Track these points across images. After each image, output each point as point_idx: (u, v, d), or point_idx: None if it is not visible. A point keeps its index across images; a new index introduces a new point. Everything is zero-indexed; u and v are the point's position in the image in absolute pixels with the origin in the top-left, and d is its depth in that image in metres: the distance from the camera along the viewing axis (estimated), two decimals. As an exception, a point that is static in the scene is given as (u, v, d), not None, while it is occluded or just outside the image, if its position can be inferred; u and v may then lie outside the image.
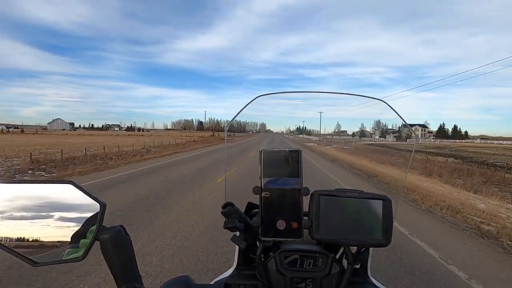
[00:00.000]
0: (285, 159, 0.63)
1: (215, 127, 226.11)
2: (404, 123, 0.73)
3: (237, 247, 0.80)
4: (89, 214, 0.45)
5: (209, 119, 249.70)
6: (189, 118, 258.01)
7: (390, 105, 0.65)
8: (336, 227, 0.63)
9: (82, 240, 0.45)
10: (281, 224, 0.62)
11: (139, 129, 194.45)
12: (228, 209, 0.63)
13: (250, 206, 0.81)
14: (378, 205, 0.62)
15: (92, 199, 0.45)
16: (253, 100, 0.67)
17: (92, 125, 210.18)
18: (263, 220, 0.63)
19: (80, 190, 0.45)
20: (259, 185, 0.62)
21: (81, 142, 32.90)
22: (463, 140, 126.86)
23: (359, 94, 0.69)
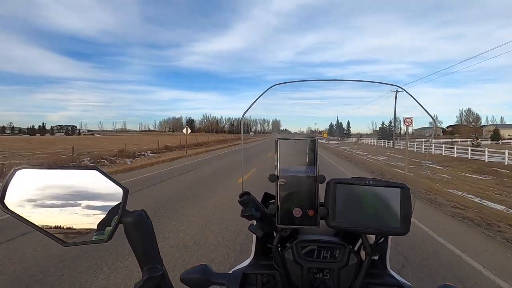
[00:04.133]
0: (301, 147, 0.64)
1: (211, 126, 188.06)
2: (425, 111, 0.70)
3: (254, 238, 0.81)
4: (113, 200, 0.47)
5: (204, 116, 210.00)
6: (178, 116, 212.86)
7: (408, 92, 0.63)
8: (352, 215, 0.62)
9: (107, 228, 0.47)
10: (297, 212, 0.62)
11: (76, 132, 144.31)
12: (245, 198, 0.64)
13: (267, 196, 0.82)
14: (396, 193, 0.61)
15: (116, 184, 0.47)
16: (268, 89, 0.68)
17: (33, 126, 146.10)
18: (279, 207, 0.63)
19: (105, 176, 0.47)
20: (275, 173, 0.63)
21: None
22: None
23: (375, 81, 0.68)
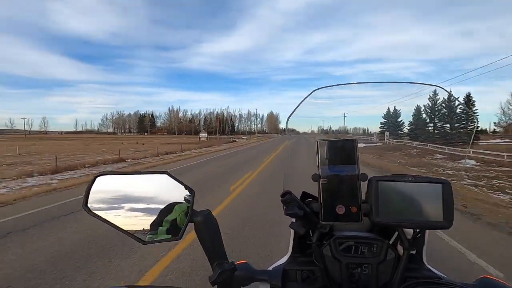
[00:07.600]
0: (341, 147, 0.67)
1: (171, 125, 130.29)
2: (465, 108, 0.73)
3: (292, 235, 0.84)
4: (182, 200, 0.52)
5: (169, 110, 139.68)
6: (126, 112, 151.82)
7: (447, 90, 0.66)
8: (395, 211, 0.65)
9: (160, 228, 0.52)
10: (340, 209, 0.66)
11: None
12: (287, 197, 0.67)
13: (305, 195, 0.85)
14: (437, 189, 0.64)
15: (184, 186, 0.52)
16: (310, 93, 0.72)
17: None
18: (323, 205, 0.67)
19: (174, 179, 0.51)
20: (317, 173, 0.66)
21: None
22: None
23: (413, 82, 0.71)
